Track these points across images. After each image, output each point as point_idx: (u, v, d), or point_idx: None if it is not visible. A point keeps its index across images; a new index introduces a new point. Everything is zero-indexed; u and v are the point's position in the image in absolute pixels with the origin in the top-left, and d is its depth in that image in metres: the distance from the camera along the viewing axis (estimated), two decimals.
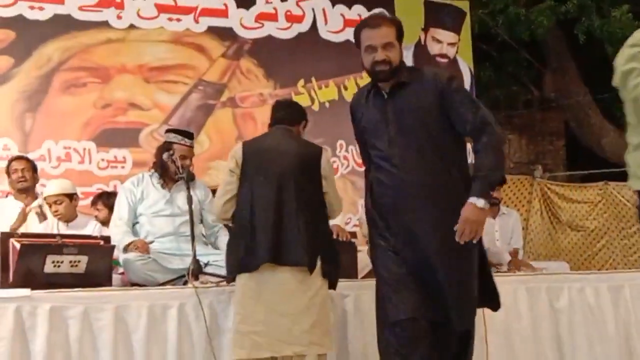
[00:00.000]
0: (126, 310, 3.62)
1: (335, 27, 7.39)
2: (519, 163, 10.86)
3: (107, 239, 4.16)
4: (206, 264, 4.37)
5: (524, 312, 4.53)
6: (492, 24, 9.36)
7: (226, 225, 4.61)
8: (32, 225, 5.05)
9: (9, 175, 5.39)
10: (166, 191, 4.58)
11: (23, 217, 5.01)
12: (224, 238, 4.55)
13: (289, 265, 3.63)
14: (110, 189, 6.28)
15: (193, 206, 4.25)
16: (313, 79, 7.22)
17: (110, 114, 6.63)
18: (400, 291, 3.23)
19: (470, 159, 3.43)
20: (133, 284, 4.22)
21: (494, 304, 3.51)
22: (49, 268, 3.73)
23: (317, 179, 3.81)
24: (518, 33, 9.34)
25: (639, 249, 8.86)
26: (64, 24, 6.52)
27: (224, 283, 3.96)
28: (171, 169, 4.51)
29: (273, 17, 7.21)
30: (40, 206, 5.15)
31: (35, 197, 5.29)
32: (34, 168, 5.50)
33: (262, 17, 7.17)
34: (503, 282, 4.59)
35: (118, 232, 4.46)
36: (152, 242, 4.42)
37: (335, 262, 3.79)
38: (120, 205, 4.58)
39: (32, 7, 6.42)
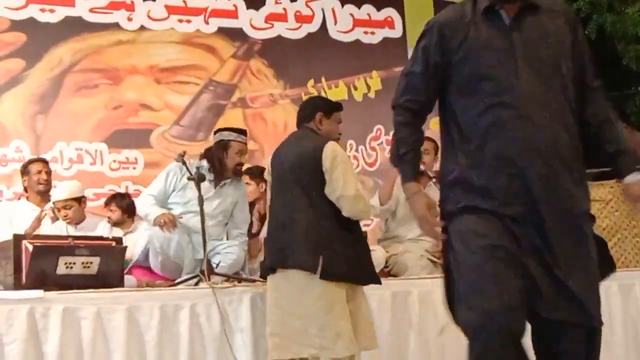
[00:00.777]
0: (138, 310, 3.64)
1: (345, 27, 7.39)
2: None
3: (118, 240, 4.18)
4: (217, 265, 4.41)
5: None
6: None
7: None
8: (44, 227, 5.07)
9: (25, 177, 5.37)
10: (212, 188, 4.63)
11: (38, 222, 5.01)
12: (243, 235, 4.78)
13: (293, 269, 3.65)
14: (122, 190, 6.30)
15: (226, 205, 4.50)
16: (323, 79, 7.22)
17: (121, 115, 6.66)
18: (502, 278, 2.40)
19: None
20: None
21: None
22: (61, 269, 3.75)
23: (320, 175, 3.72)
24: None
25: None
26: (74, 26, 6.54)
27: (236, 283, 4.00)
28: (229, 166, 4.63)
29: (283, 18, 7.21)
30: (52, 209, 5.16)
31: (49, 200, 5.31)
32: (50, 171, 5.52)
33: (271, 18, 7.18)
34: None
35: (146, 203, 4.56)
36: (180, 217, 4.46)
37: (340, 260, 3.64)
38: (157, 182, 4.67)
39: (43, 10, 6.45)
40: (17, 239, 3.80)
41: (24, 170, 5.38)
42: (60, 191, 5.19)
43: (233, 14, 7.05)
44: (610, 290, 4.72)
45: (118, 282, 3.97)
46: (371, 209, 3.95)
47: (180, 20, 6.88)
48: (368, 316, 3.83)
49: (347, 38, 7.39)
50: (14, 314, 3.39)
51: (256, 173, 5.88)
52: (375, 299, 4.14)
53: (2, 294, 3.52)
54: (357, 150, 7.19)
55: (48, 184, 5.32)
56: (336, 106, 4.09)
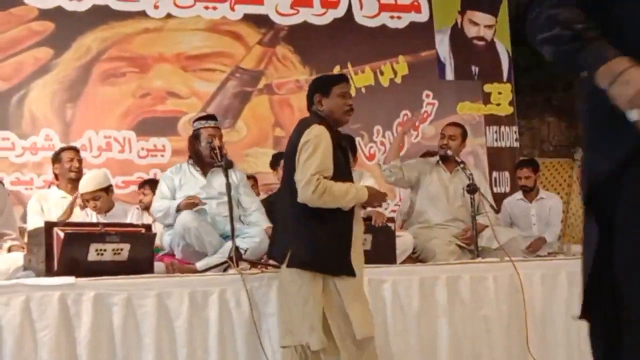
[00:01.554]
0: (168, 296, 3.67)
1: (371, 12, 7.35)
2: (559, 146, 10.74)
3: (148, 227, 4.22)
4: (245, 250, 4.44)
5: (564, 297, 4.49)
6: None
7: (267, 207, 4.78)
8: (74, 216, 5.12)
9: (57, 164, 5.41)
10: (203, 177, 4.70)
11: (70, 210, 5.06)
12: (257, 214, 4.74)
13: (272, 260, 3.86)
14: (150, 177, 6.36)
15: (223, 188, 4.37)
16: (349, 65, 7.20)
17: (149, 103, 6.70)
18: None
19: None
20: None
21: None
22: (92, 256, 3.79)
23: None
24: None
25: None
26: (102, 15, 6.58)
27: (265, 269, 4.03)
28: (204, 154, 4.61)
29: (308, 3, 7.19)
30: (77, 197, 5.20)
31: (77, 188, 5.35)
32: (81, 159, 5.57)
33: (297, 4, 7.16)
34: (542, 267, 4.58)
35: (164, 202, 4.63)
36: (205, 203, 4.54)
37: (307, 250, 3.54)
38: (161, 190, 4.73)
39: None
40: (49, 226, 3.84)
41: (56, 158, 5.42)
42: (88, 183, 5.14)
43: (259, 1, 7.05)
44: None
45: (148, 269, 4.00)
46: (325, 195, 3.46)
47: (207, 8, 6.89)
48: (344, 308, 3.55)
49: (373, 23, 7.35)
50: (46, 300, 3.43)
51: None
52: (403, 285, 4.15)
53: (34, 281, 3.57)
54: (384, 136, 7.16)
55: (79, 172, 5.36)
56: (333, 80, 3.83)
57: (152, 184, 5.74)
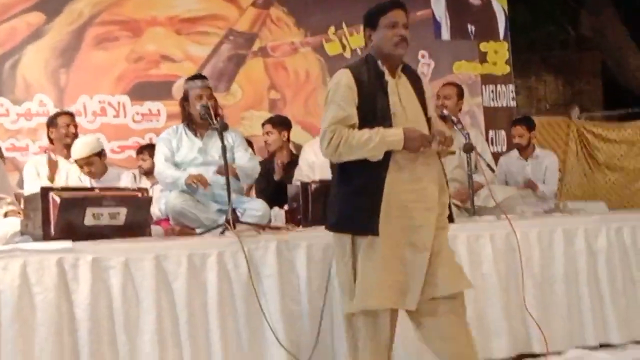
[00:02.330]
0: (166, 259, 3.67)
1: None
2: (556, 104, 10.71)
3: (144, 191, 4.21)
4: (242, 213, 4.44)
5: (561, 253, 4.51)
6: None
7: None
8: (68, 180, 5.12)
9: (52, 129, 5.40)
10: (199, 139, 4.67)
11: (54, 164, 5.08)
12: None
13: None
14: (146, 141, 6.35)
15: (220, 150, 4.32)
16: (344, 25, 7.14)
17: (142, 67, 6.67)
18: None
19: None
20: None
21: None
22: (89, 220, 3.80)
23: None
24: None
25: None
26: None
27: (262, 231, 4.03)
28: (196, 114, 4.58)
29: None
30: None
31: None
32: (77, 125, 5.55)
33: None
34: (539, 224, 4.59)
35: (171, 170, 4.60)
36: (210, 185, 4.52)
37: (333, 212, 3.32)
38: (162, 152, 4.69)
39: None
40: (45, 191, 3.83)
41: (51, 122, 5.41)
42: (81, 149, 5.13)
43: None
44: (637, 231, 4.73)
45: (145, 232, 4.01)
46: (342, 147, 3.12)
47: None
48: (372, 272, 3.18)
49: None
50: (44, 265, 3.43)
51: (277, 122, 5.87)
52: None
53: (31, 245, 3.57)
54: None
55: (75, 138, 5.36)
56: (380, 9, 3.32)
57: (151, 148, 5.72)
